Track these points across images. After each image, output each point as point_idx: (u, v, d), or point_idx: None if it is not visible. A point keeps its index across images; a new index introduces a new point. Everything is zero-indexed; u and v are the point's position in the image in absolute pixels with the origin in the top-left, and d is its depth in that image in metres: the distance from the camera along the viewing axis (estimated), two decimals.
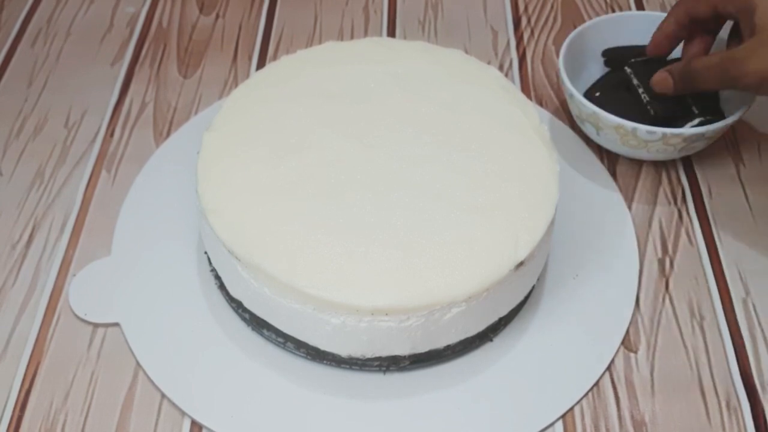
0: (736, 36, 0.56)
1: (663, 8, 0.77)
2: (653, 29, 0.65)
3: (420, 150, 0.52)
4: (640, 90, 0.60)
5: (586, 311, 0.54)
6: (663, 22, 0.58)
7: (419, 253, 0.47)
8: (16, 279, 0.57)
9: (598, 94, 0.62)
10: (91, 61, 0.72)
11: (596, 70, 0.66)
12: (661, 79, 0.56)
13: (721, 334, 0.54)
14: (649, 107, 0.60)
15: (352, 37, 0.74)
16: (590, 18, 0.73)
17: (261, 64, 0.71)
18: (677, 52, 0.62)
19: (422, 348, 0.49)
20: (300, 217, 0.49)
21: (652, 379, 0.52)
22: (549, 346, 0.53)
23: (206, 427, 0.49)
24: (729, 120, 0.58)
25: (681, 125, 0.60)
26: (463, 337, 0.50)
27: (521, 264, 0.48)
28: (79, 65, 0.71)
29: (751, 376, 0.52)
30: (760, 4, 0.48)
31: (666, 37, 0.58)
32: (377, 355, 0.49)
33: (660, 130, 0.57)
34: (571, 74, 0.61)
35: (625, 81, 0.62)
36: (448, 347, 0.50)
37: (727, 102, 0.62)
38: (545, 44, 0.73)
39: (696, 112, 0.61)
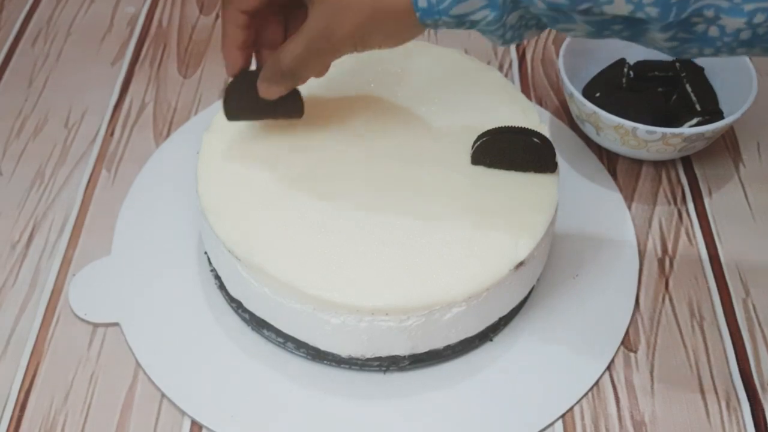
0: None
1: None
2: None
3: (420, 150, 0.52)
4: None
5: (586, 311, 0.54)
6: (223, 35, 0.47)
7: (419, 253, 0.47)
8: (16, 279, 0.57)
9: (598, 94, 0.62)
10: (92, 61, 0.72)
11: (596, 70, 0.66)
12: (264, 89, 0.48)
13: (720, 334, 0.54)
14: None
15: None
16: None
17: None
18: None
19: (422, 348, 0.49)
20: (300, 217, 0.49)
21: (652, 379, 0.52)
22: (549, 346, 0.53)
23: (206, 427, 0.49)
24: (729, 120, 0.58)
25: (680, 125, 0.60)
26: (463, 337, 0.50)
27: (521, 264, 0.48)
28: (80, 65, 0.71)
29: (751, 376, 0.52)
30: None
31: (239, 48, 0.47)
32: (377, 355, 0.49)
33: (660, 130, 0.57)
34: (570, 74, 0.61)
35: (618, 80, 0.63)
36: (448, 347, 0.50)
37: (727, 102, 0.62)
38: (545, 44, 0.73)
39: (698, 109, 0.61)
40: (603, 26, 0.39)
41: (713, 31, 0.37)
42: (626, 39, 0.40)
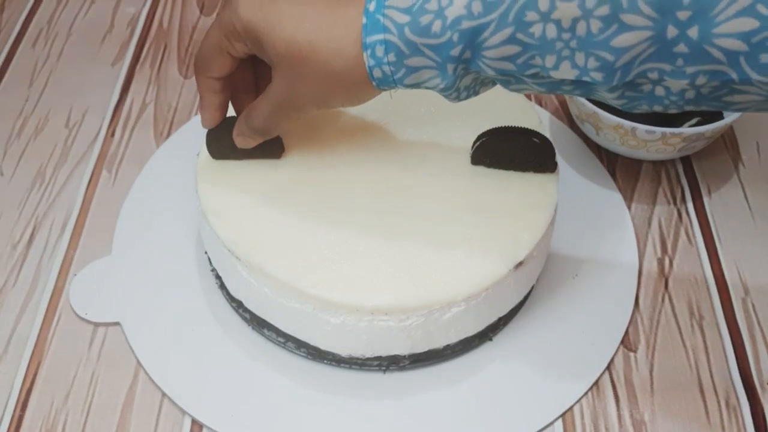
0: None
1: None
2: None
3: (420, 150, 0.52)
4: None
5: (586, 311, 0.54)
6: (201, 98, 0.49)
7: (419, 253, 0.47)
8: (17, 279, 0.57)
9: None
10: (92, 62, 0.72)
11: None
12: (240, 141, 0.50)
13: (720, 334, 0.54)
14: None
15: None
16: None
17: None
18: None
19: (422, 347, 0.50)
20: (300, 217, 0.49)
21: (652, 379, 0.52)
22: (548, 346, 0.53)
23: (207, 427, 0.49)
24: (728, 120, 0.58)
25: (679, 125, 0.60)
26: (462, 336, 0.50)
27: (521, 264, 0.48)
28: (80, 66, 0.71)
29: (751, 376, 0.52)
30: (263, 37, 0.43)
31: (217, 110, 0.49)
32: (377, 354, 0.50)
33: (659, 130, 0.57)
34: None
35: None
36: (447, 347, 0.51)
37: None
38: None
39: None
40: (553, 87, 0.40)
41: (659, 90, 0.38)
42: (579, 96, 0.41)
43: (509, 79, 0.41)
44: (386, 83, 0.42)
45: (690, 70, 0.36)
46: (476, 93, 0.43)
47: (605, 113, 0.58)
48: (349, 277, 0.46)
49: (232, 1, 0.44)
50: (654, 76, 0.37)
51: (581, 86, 0.39)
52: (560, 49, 0.38)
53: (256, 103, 0.47)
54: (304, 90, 0.43)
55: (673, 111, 0.40)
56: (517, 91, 0.42)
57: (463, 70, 0.41)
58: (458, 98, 0.43)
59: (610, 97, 0.39)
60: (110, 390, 0.51)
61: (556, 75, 0.39)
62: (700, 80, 0.37)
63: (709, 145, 0.62)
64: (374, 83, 0.42)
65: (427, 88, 0.42)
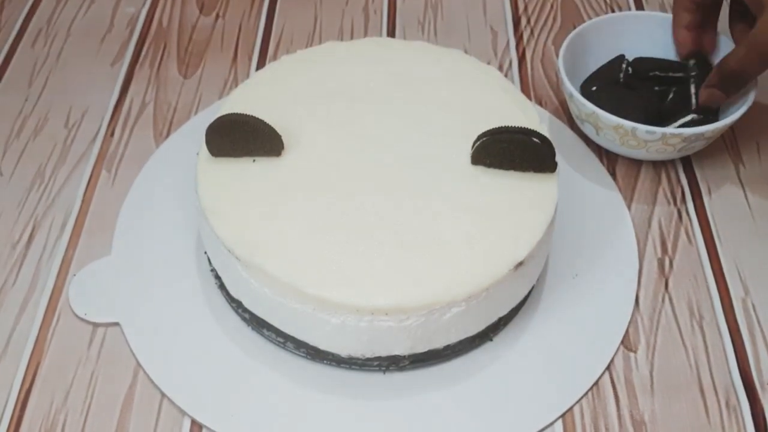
0: (740, 18, 0.58)
1: (662, 8, 0.77)
2: (652, 29, 0.65)
3: (420, 150, 0.52)
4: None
5: (586, 311, 0.54)
6: (674, 18, 0.59)
7: (419, 253, 0.47)
8: (16, 279, 0.57)
9: (594, 88, 0.63)
10: (92, 61, 0.72)
11: (595, 69, 0.66)
12: (708, 95, 0.57)
13: (720, 334, 0.54)
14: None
15: (352, 37, 0.74)
16: (590, 18, 0.73)
17: (261, 64, 0.71)
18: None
19: (422, 348, 0.49)
20: (300, 217, 0.49)
21: (652, 379, 0.52)
22: (549, 346, 0.53)
23: (206, 427, 0.49)
24: (728, 120, 0.58)
25: (674, 120, 0.60)
26: (462, 336, 0.50)
27: (521, 264, 0.48)
28: (80, 65, 0.71)
29: (751, 376, 0.52)
30: None
31: (687, 30, 0.59)
32: (377, 354, 0.49)
33: (659, 130, 0.57)
34: (570, 74, 0.61)
35: (616, 75, 0.63)
36: (447, 347, 0.51)
37: (727, 102, 0.62)
38: (545, 44, 0.73)
39: (694, 107, 0.61)
40: None
41: None
42: None
43: None
44: None
45: None
46: None
47: (605, 113, 0.58)
48: (349, 277, 0.46)
49: None
50: None
51: None
52: None
53: (733, 50, 0.53)
54: None
55: None
56: None
57: None
58: None
59: None
60: (110, 390, 0.51)
61: None
62: None
63: (709, 145, 0.62)
64: None
65: None
